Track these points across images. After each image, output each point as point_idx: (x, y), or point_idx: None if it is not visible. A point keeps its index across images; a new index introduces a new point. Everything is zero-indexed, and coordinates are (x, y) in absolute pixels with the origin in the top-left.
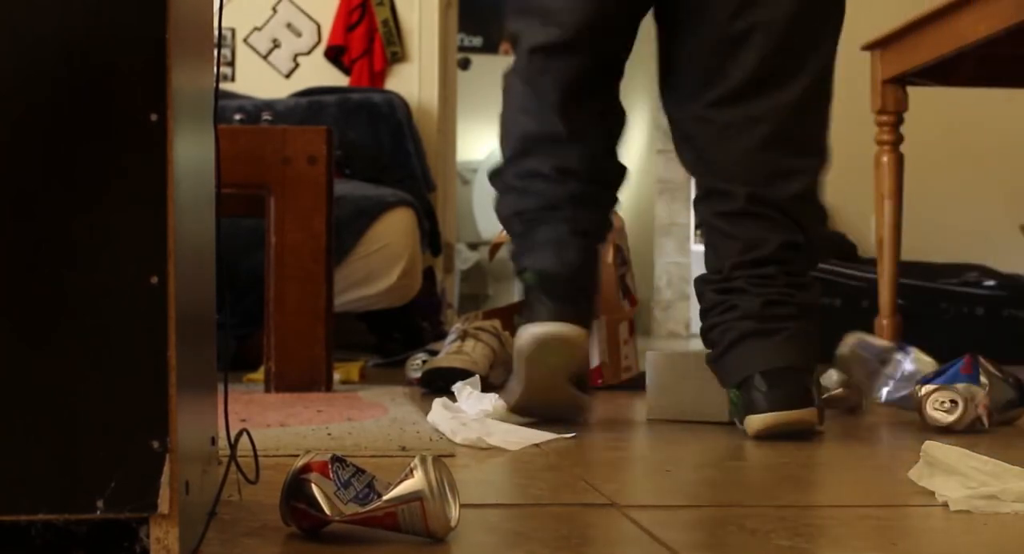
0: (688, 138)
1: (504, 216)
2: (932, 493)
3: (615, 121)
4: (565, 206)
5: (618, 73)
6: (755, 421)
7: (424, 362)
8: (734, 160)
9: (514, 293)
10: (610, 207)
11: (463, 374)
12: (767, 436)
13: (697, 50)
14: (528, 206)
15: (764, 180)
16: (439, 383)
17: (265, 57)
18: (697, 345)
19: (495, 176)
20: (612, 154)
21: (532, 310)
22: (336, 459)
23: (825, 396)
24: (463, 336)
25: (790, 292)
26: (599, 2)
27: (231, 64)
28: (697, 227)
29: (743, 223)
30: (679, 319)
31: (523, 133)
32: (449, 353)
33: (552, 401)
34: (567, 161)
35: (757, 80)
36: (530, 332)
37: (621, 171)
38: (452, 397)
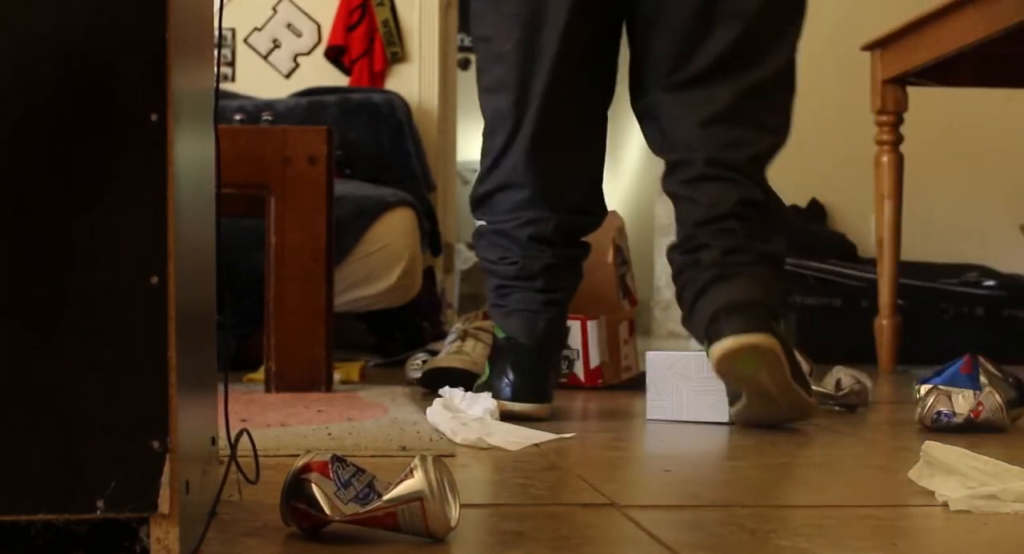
0: (653, 118)
1: (480, 258)
2: (932, 493)
3: (597, 150)
4: (539, 277)
5: (602, 121)
6: (715, 350)
7: (424, 362)
8: (693, 132)
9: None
10: (585, 251)
11: (463, 374)
12: (728, 368)
13: (663, 41)
14: (503, 272)
15: (721, 146)
16: (439, 383)
17: (265, 57)
18: (697, 345)
19: (476, 205)
20: (594, 197)
21: (498, 378)
22: (336, 459)
23: (834, 395)
24: (463, 336)
25: (750, 242)
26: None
27: (231, 64)
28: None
29: (702, 187)
30: (679, 319)
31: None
32: (449, 353)
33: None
34: (543, 230)
35: (720, 66)
36: (502, 407)
37: (602, 209)
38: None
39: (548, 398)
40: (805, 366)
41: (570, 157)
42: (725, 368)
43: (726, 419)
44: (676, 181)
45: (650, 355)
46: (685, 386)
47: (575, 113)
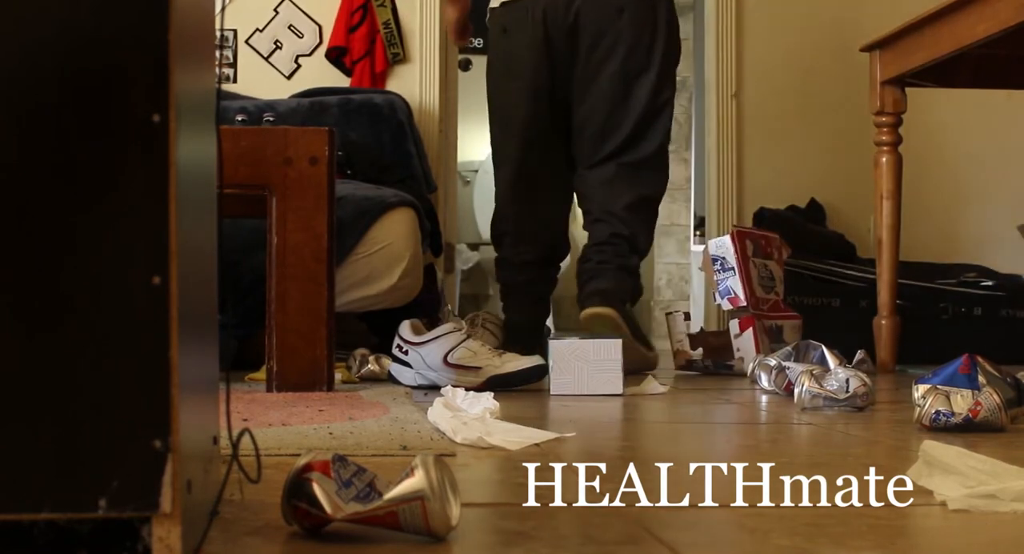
0: (579, 182)
1: (496, 275)
2: (931, 492)
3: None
4: (525, 285)
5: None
6: (582, 315)
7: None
8: (596, 191)
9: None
10: (556, 272)
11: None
12: (588, 326)
13: (582, 142)
14: (506, 280)
15: (607, 200)
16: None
17: (267, 58)
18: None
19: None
20: (559, 245)
21: (505, 346)
22: (337, 458)
23: (842, 397)
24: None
25: (613, 257)
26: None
27: (233, 65)
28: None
29: (595, 227)
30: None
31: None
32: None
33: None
34: (527, 256)
35: (612, 155)
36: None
37: (565, 252)
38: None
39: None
40: (832, 360)
41: (539, 207)
42: (586, 326)
43: (620, 392)
44: (587, 222)
45: (553, 343)
46: (585, 367)
47: (540, 174)
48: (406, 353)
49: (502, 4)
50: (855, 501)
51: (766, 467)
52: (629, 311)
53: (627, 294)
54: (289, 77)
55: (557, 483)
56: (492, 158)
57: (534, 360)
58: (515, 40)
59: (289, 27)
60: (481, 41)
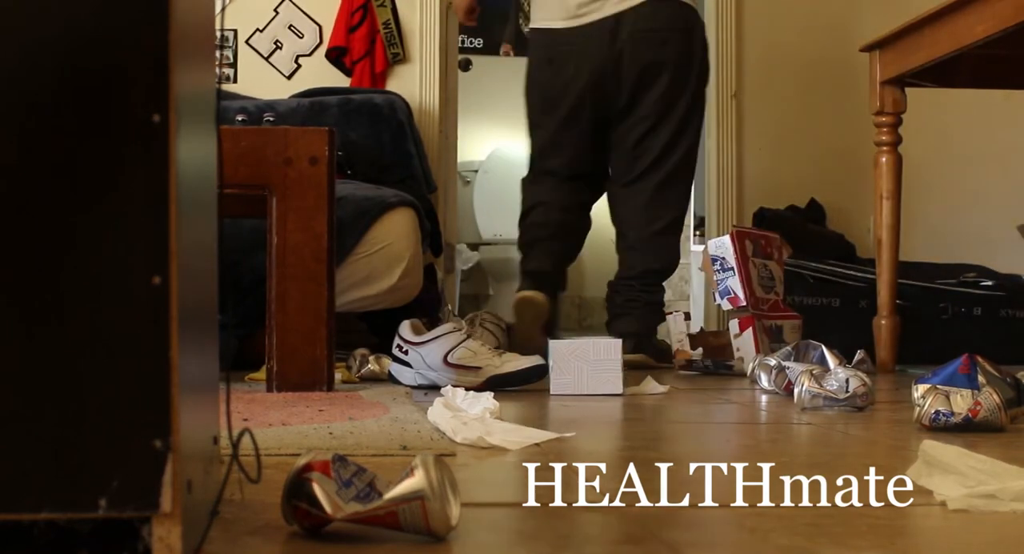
0: (615, 204)
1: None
2: (931, 492)
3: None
4: (547, 238)
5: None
6: None
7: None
8: (631, 216)
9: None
10: (583, 233)
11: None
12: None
13: (617, 163)
14: (528, 238)
15: (644, 224)
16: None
17: (267, 58)
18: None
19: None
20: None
21: (521, 284)
22: (337, 458)
23: (842, 397)
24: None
25: (640, 294)
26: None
27: (233, 65)
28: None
29: (629, 256)
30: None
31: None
32: (483, 355)
33: (529, 339)
34: (551, 216)
35: (644, 172)
36: (516, 296)
37: (587, 225)
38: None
39: (553, 295)
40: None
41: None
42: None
43: (620, 392)
44: (618, 246)
45: (553, 342)
46: (585, 367)
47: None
48: (406, 353)
49: (544, 30)
50: (855, 501)
51: (766, 467)
52: (654, 343)
53: (653, 328)
54: (289, 77)
55: (557, 483)
56: (529, 165)
57: (534, 360)
58: (559, 76)
59: (289, 27)
60: (482, 41)
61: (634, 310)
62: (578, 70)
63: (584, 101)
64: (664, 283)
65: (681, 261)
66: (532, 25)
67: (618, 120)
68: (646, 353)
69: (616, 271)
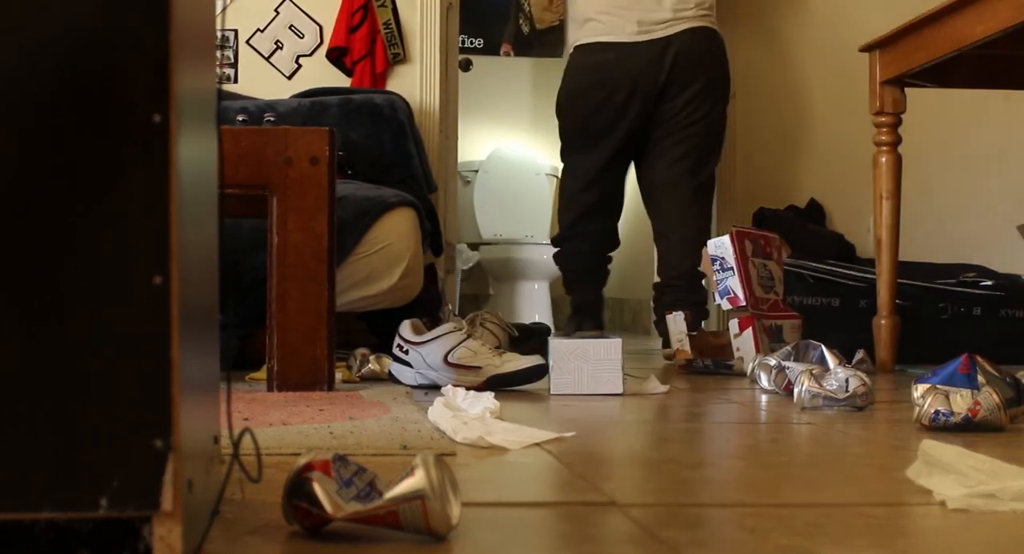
0: (654, 194)
1: (559, 265)
2: (930, 492)
3: (613, 233)
4: (587, 274)
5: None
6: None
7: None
8: (674, 212)
9: (514, 293)
10: (608, 262)
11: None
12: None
13: (657, 162)
14: (571, 269)
15: (688, 223)
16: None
17: (267, 58)
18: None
19: (558, 242)
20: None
21: (579, 322)
22: (338, 458)
23: (841, 397)
24: (469, 332)
25: (686, 294)
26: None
27: (234, 65)
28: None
29: (674, 254)
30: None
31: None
32: (483, 355)
33: None
34: (585, 246)
35: (682, 176)
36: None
37: (616, 244)
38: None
39: (601, 326)
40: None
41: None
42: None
43: (620, 392)
44: (663, 242)
45: (553, 342)
46: (585, 367)
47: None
48: (407, 353)
49: (591, 47)
50: (855, 501)
51: (766, 467)
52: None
53: (699, 324)
54: (290, 77)
55: (556, 483)
56: (563, 170)
57: (534, 360)
58: (606, 102)
59: (290, 27)
60: (482, 41)
61: (681, 307)
62: (628, 97)
63: (623, 122)
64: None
65: None
66: (579, 41)
67: (657, 125)
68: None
69: (659, 271)
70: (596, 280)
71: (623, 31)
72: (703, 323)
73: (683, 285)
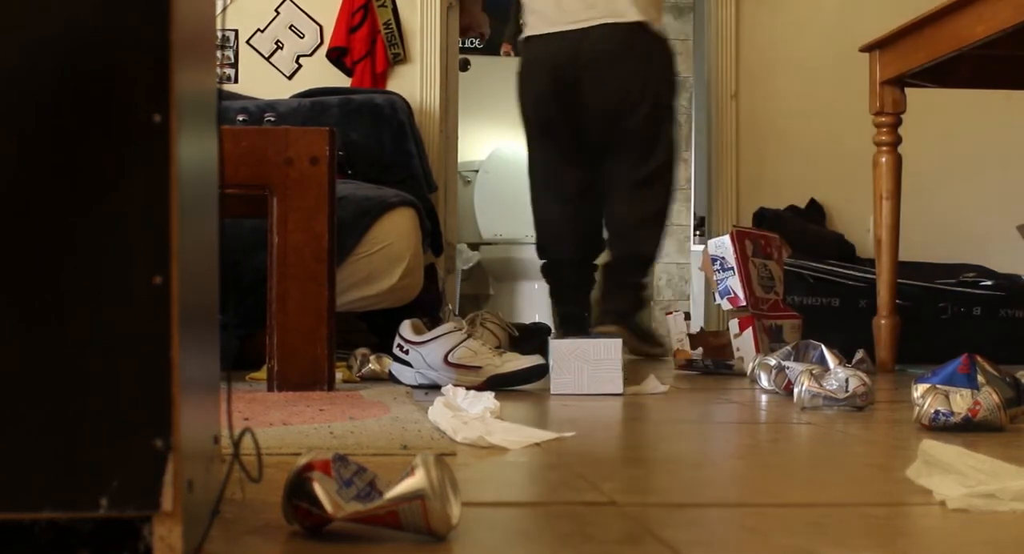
0: (605, 204)
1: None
2: (930, 492)
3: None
4: (569, 288)
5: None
6: (594, 331)
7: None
8: (613, 210)
9: (514, 293)
10: (593, 271)
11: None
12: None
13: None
14: (553, 282)
15: (625, 217)
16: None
17: (268, 58)
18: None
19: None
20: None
21: (566, 331)
22: (338, 458)
23: (841, 397)
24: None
25: (623, 276)
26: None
27: (234, 65)
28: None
29: (612, 246)
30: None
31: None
32: (483, 355)
33: None
34: (564, 265)
35: (624, 175)
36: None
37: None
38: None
39: (587, 332)
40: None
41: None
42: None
43: (620, 391)
44: (608, 238)
45: (553, 342)
46: (585, 367)
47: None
48: (407, 352)
49: (533, 37)
50: (855, 501)
51: (766, 467)
52: (637, 322)
53: (635, 307)
54: (290, 77)
55: (556, 483)
56: (529, 175)
57: (534, 360)
58: (541, 80)
59: (290, 27)
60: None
61: (617, 291)
62: (551, 80)
63: (553, 103)
64: (650, 270)
65: (681, 261)
66: (526, 33)
67: (588, 127)
68: (625, 327)
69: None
70: (580, 290)
71: (550, 23)
72: (641, 310)
73: (620, 270)
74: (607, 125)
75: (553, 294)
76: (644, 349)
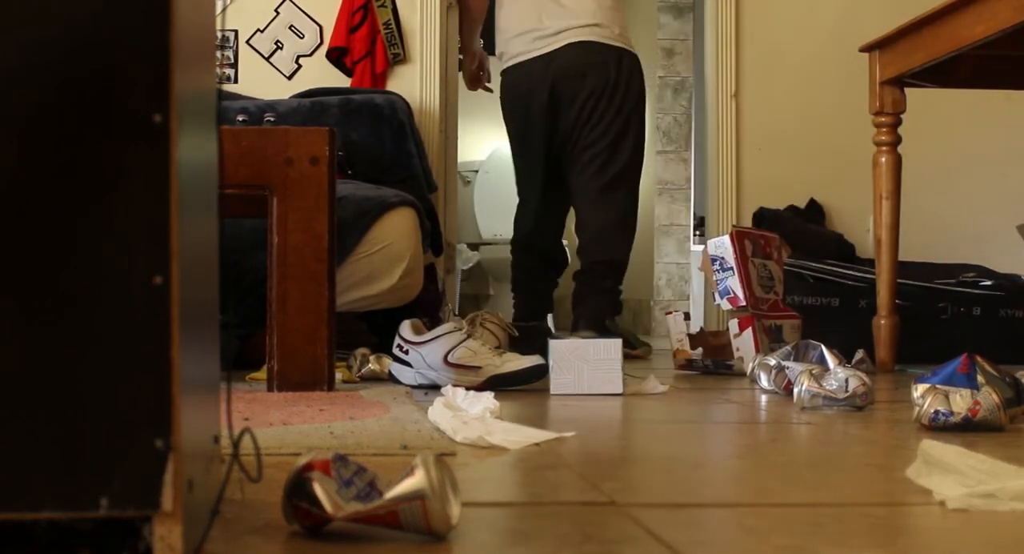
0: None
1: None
2: (930, 491)
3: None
4: (528, 288)
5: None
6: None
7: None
8: (580, 220)
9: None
10: (555, 280)
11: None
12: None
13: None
14: (516, 282)
15: (591, 225)
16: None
17: (268, 58)
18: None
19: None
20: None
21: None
22: (338, 458)
23: (841, 396)
24: (469, 332)
25: (594, 281)
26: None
27: (234, 65)
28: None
29: (582, 253)
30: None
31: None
32: (482, 355)
33: None
34: (530, 264)
35: (588, 182)
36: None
37: (564, 262)
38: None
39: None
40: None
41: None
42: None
43: (620, 391)
44: (579, 235)
45: (553, 342)
46: (585, 367)
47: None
48: (407, 353)
49: (512, 67)
50: (855, 501)
51: (766, 467)
52: (612, 325)
53: (607, 311)
54: (290, 77)
55: (555, 483)
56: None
57: (534, 360)
58: (515, 106)
59: (290, 27)
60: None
61: (587, 296)
62: (528, 101)
63: (536, 123)
64: (622, 274)
65: (681, 261)
66: (504, 65)
67: (562, 144)
68: (597, 331)
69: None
70: (538, 301)
71: (522, 51)
72: (615, 316)
73: (590, 275)
74: (572, 137)
75: (515, 288)
76: (624, 351)
